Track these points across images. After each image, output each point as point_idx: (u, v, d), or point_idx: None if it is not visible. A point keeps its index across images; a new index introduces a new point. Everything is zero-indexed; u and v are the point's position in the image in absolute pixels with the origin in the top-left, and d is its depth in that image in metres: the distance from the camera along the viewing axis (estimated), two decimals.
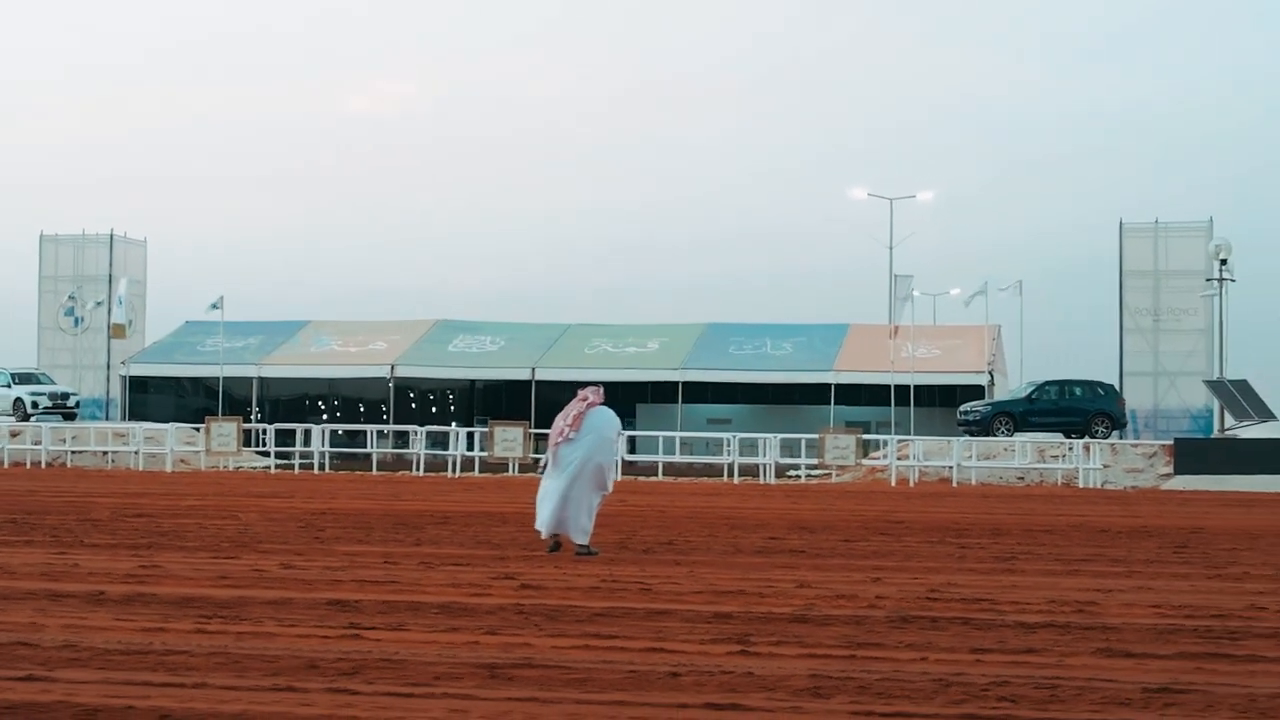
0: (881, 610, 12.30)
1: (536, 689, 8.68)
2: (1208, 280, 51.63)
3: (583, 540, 16.59)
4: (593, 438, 16.56)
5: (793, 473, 46.31)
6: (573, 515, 16.48)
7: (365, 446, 49.44)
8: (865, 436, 46.27)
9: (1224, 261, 49.94)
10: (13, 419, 53.21)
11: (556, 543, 16.72)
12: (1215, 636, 11.10)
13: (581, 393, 17.12)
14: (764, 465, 44.43)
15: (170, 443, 47.23)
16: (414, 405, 60.87)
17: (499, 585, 13.86)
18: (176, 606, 12.21)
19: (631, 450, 48.94)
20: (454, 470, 45.60)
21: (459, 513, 25.84)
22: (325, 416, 61.78)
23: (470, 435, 47.81)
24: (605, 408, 17.05)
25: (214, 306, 57.13)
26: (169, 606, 12.20)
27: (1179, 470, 43.16)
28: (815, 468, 45.73)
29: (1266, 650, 10.43)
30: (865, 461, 45.38)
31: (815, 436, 44.93)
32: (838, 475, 45.71)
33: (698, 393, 56.79)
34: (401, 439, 50.88)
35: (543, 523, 16.58)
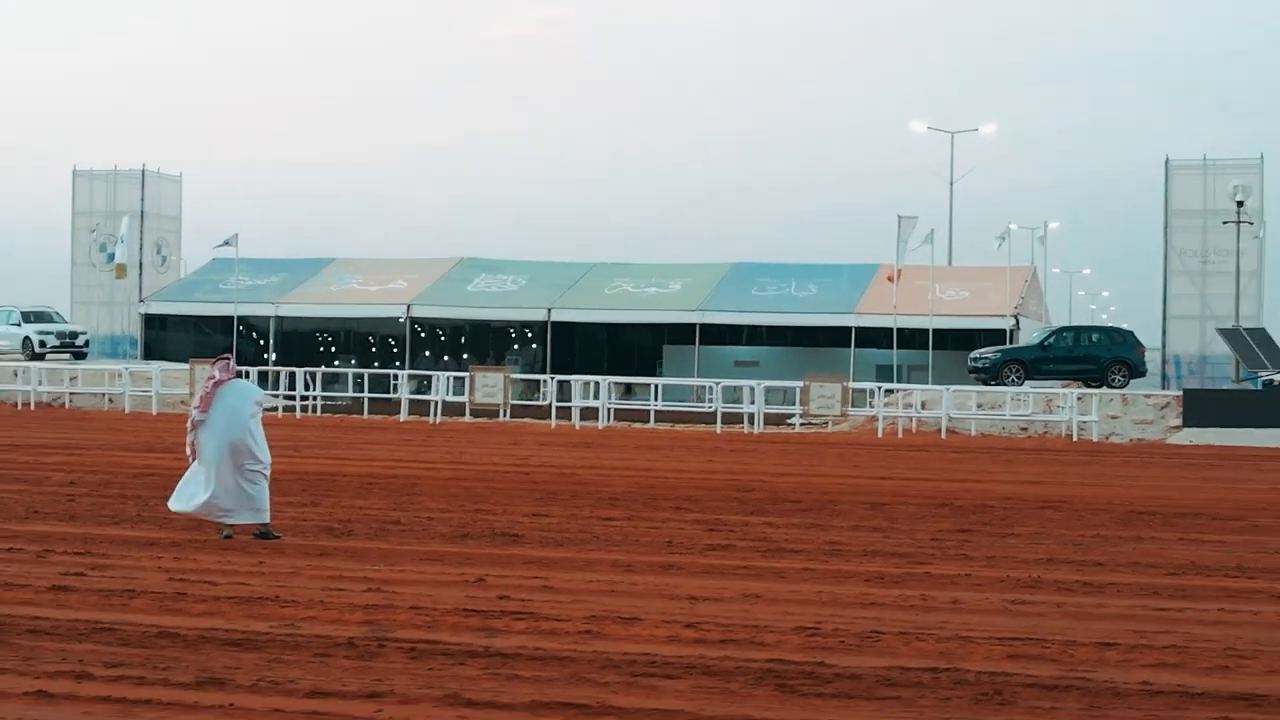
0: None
1: None
2: (1230, 222, 49.26)
3: (260, 519, 15.54)
4: (225, 418, 15.35)
5: (791, 421, 44.96)
6: (241, 498, 15.40)
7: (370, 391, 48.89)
8: (854, 385, 44.71)
9: (1240, 204, 47.58)
10: (21, 357, 53.45)
11: (227, 530, 15.58)
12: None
13: (209, 371, 15.99)
14: (748, 414, 43.14)
15: (155, 385, 46.87)
16: (426, 350, 59.97)
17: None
18: None
19: (660, 395, 47.84)
20: (435, 416, 44.76)
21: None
22: (338, 361, 61.17)
23: (452, 380, 46.88)
24: (238, 380, 15.90)
25: (226, 243, 56.57)
26: None
27: (1187, 423, 41.36)
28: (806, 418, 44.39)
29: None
30: (853, 411, 43.82)
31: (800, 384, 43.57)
32: (834, 425, 44.33)
33: (719, 335, 55.34)
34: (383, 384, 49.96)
35: (193, 506, 15.44)
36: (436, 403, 45.38)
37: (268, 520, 15.60)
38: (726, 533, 17.31)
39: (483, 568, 13.95)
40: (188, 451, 15.62)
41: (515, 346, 59.35)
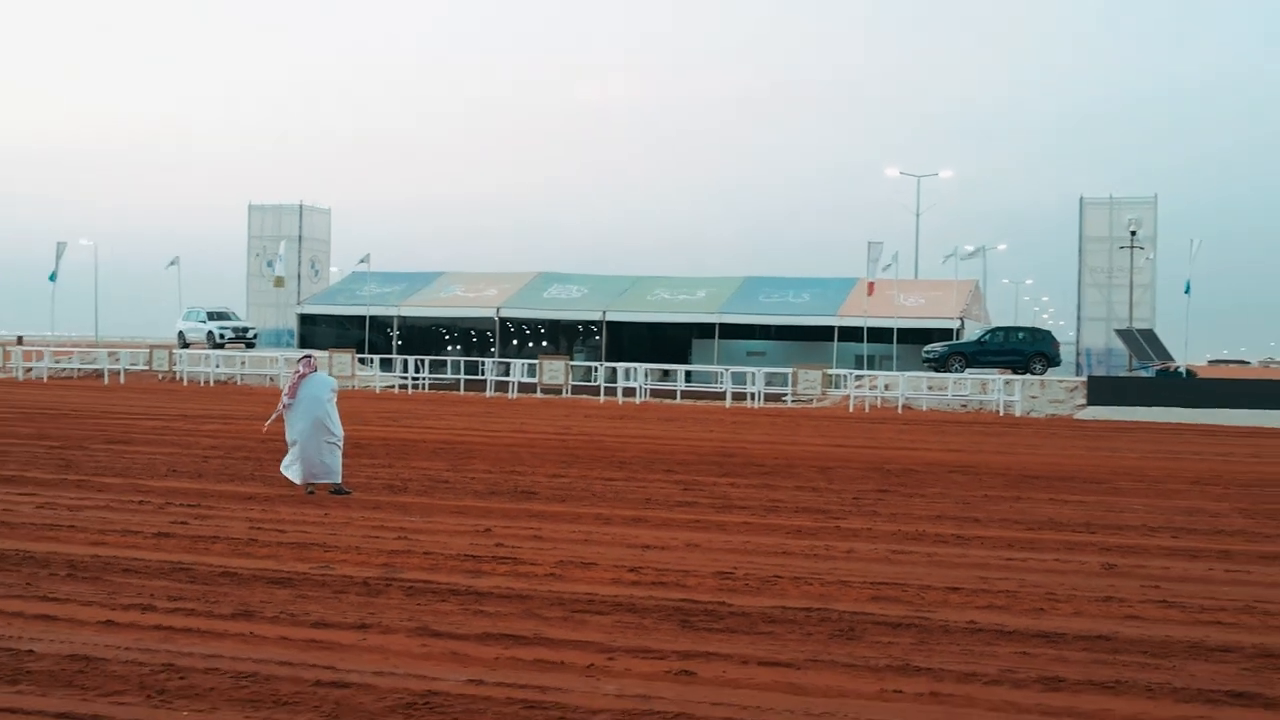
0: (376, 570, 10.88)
1: None
2: (1125, 247, 48.56)
3: (333, 479, 15.41)
4: (307, 403, 15.23)
5: (784, 399, 44.56)
6: (318, 465, 15.30)
7: (465, 374, 48.91)
8: (833, 371, 44.42)
9: (1134, 233, 46.81)
10: (206, 347, 53.82)
11: (311, 488, 15.45)
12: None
13: (295, 365, 15.88)
14: (750, 393, 42.85)
15: (281, 367, 47.00)
16: (513, 342, 59.84)
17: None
18: None
19: (689, 378, 47.67)
20: (512, 393, 44.65)
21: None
22: (448, 349, 61.18)
23: (527, 366, 46.77)
24: (318, 374, 15.72)
25: (362, 261, 56.99)
26: None
27: (1091, 402, 40.73)
28: (795, 396, 43.98)
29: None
30: (832, 392, 43.43)
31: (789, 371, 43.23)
32: (819, 401, 43.89)
33: (734, 332, 54.91)
34: (475, 368, 49.87)
35: (297, 477, 15.36)
36: (513, 383, 45.30)
37: (339, 480, 15.47)
38: (696, 491, 16.83)
39: (494, 520, 13.66)
40: (267, 424, 15.56)
41: (580, 340, 59.00)
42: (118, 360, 51.17)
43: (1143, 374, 42.94)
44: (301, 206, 62.61)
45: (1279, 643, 8.62)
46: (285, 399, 15.33)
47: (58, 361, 53.73)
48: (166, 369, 49.80)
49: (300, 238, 62.23)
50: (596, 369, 46.26)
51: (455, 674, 7.46)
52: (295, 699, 6.91)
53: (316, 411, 15.29)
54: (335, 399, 15.58)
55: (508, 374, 46.44)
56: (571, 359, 50.54)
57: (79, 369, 53.22)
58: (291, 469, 15.38)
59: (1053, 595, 10.14)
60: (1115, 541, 13.10)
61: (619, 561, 11.22)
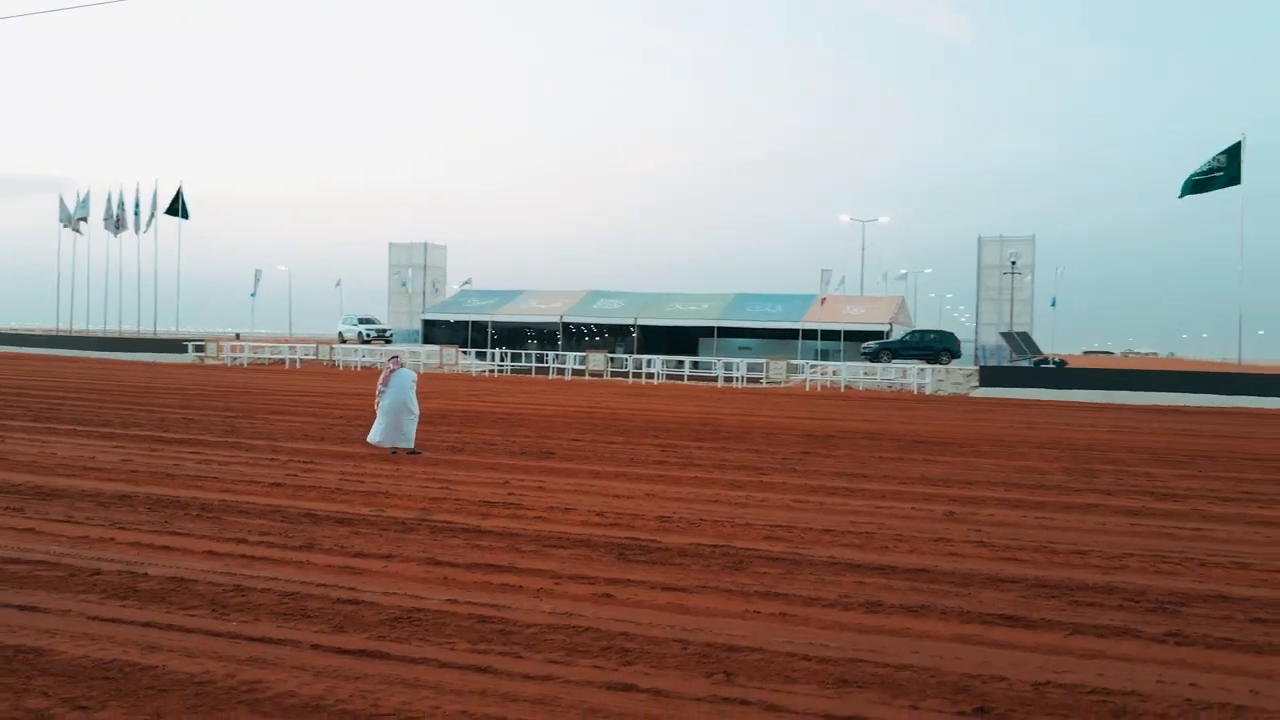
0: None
1: None
2: (1007, 273, 47.70)
3: (409, 445, 15.31)
4: (395, 390, 15.15)
5: (759, 381, 44.16)
6: (400, 433, 15.20)
7: (535, 363, 48.72)
8: (796, 362, 43.95)
9: (1014, 263, 46.01)
10: (356, 343, 53.99)
11: (395, 449, 15.35)
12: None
13: (389, 362, 15.78)
14: (736, 377, 42.45)
15: (421, 358, 47.00)
16: (573, 341, 59.50)
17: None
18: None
19: (695, 366, 47.37)
20: (567, 376, 44.48)
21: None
22: (529, 343, 60.97)
23: (577, 358, 46.55)
24: (403, 369, 15.59)
25: (466, 282, 57.11)
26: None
27: (982, 384, 40.09)
28: (767, 379, 43.52)
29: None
30: (794, 376, 42.95)
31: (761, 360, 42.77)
32: (785, 383, 43.46)
33: (729, 333, 54.42)
34: (543, 359, 49.64)
35: (378, 440, 15.27)
36: (568, 369, 45.16)
37: (413, 444, 15.34)
38: (670, 453, 16.37)
39: (515, 474, 13.40)
40: (375, 405, 15.45)
41: (621, 339, 58.62)
42: (295, 352, 51.45)
43: (1023, 364, 42.21)
44: (426, 245, 62.60)
45: (1054, 576, 8.33)
46: (380, 386, 15.26)
47: (256, 353, 54.07)
48: (328, 358, 50.02)
49: (425, 266, 62.26)
50: (626, 360, 46.06)
51: (439, 594, 7.30)
52: (317, 612, 6.78)
53: (401, 396, 15.20)
54: (415, 387, 15.45)
55: (564, 363, 46.32)
56: (613, 353, 50.30)
57: (269, 358, 53.54)
58: (375, 435, 15.30)
59: (899, 536, 9.85)
60: (961, 494, 12.74)
61: (592, 507, 10.98)
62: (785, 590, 7.61)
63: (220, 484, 12.03)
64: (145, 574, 7.65)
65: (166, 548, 8.58)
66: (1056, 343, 49.75)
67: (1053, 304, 47.41)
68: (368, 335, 54.56)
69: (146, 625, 6.45)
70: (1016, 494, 12.87)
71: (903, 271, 54.57)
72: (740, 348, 54.31)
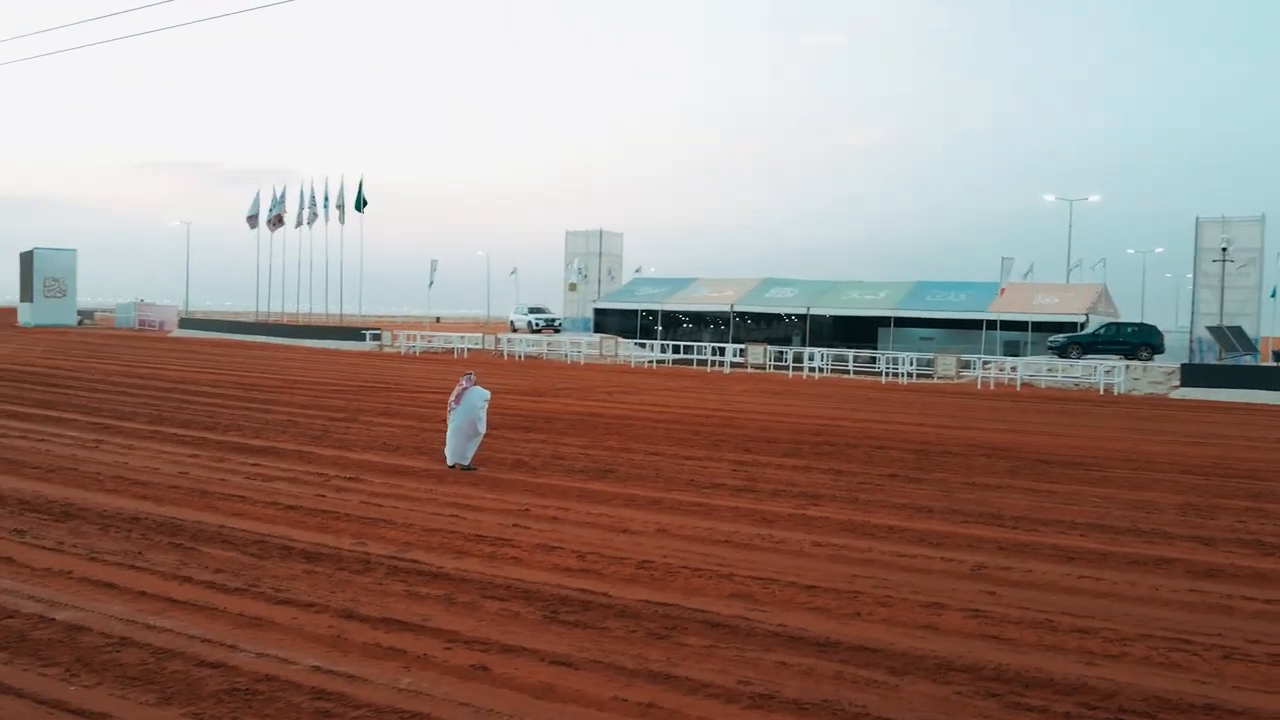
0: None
1: None
2: (1219, 261, 43.42)
3: (465, 462, 15.38)
4: (465, 408, 15.26)
5: (935, 378, 42.17)
6: (461, 451, 15.34)
7: (696, 354, 48.48)
8: (966, 357, 41.68)
9: (1225, 249, 41.73)
10: (527, 331, 55.35)
11: (455, 465, 15.45)
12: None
13: (460, 381, 15.82)
14: (900, 372, 40.71)
15: (583, 348, 47.54)
16: (744, 330, 58.79)
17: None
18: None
19: (872, 361, 45.94)
20: (726, 368, 43.96)
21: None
22: (699, 334, 60.64)
23: (737, 349, 45.93)
24: (476, 388, 15.60)
25: (638, 270, 57.44)
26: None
27: (1185, 384, 36.86)
28: (938, 375, 41.52)
29: None
30: (966, 372, 40.76)
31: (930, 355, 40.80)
32: (956, 379, 41.33)
33: (909, 323, 52.34)
34: (703, 350, 49.25)
35: (448, 456, 15.46)
36: (726, 362, 44.64)
37: (469, 461, 15.39)
38: (741, 473, 15.45)
39: (544, 500, 12.85)
40: (448, 417, 15.53)
41: (796, 330, 57.55)
42: (464, 341, 53.16)
43: (1230, 362, 38.46)
44: (601, 232, 63.42)
45: (1020, 664, 7.34)
46: (452, 403, 15.43)
47: (429, 342, 55.93)
48: (494, 347, 51.47)
49: (600, 254, 63.11)
50: (785, 353, 45.05)
51: (309, 659, 7.00)
52: (164, 677, 6.69)
53: (470, 415, 15.35)
54: (486, 406, 15.50)
55: (723, 355, 45.82)
56: (790, 344, 49.40)
57: (441, 347, 55.43)
58: (447, 449, 15.52)
59: (889, 598, 8.93)
60: (1018, 539, 11.49)
61: (581, 547, 10.49)
62: (680, 673, 7.00)
63: (238, 505, 12.11)
64: (52, 619, 7.70)
65: (109, 585, 8.68)
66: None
67: (1273, 295, 42.78)
68: (537, 325, 55.84)
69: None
70: (1089, 541, 11.56)
71: (1103, 259, 50.62)
72: (921, 339, 52.17)
